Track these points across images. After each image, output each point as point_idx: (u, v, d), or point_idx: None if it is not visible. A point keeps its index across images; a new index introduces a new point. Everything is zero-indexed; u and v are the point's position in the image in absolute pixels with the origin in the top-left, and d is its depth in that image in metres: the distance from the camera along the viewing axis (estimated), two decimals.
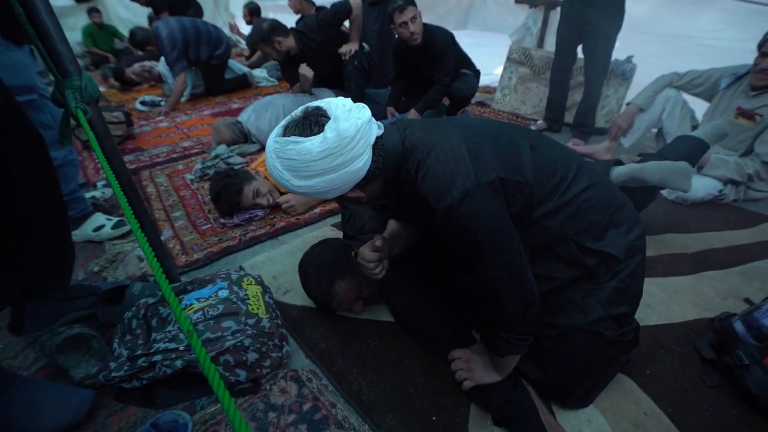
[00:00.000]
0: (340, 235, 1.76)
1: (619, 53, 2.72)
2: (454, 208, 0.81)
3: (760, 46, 1.85)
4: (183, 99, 3.89)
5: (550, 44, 3.55)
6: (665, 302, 1.37)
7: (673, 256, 1.61)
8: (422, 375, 1.12)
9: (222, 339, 1.04)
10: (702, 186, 1.98)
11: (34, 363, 1.19)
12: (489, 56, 3.80)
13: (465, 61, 2.87)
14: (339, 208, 1.97)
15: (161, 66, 4.00)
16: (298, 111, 0.85)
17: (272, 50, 2.75)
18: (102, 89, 4.62)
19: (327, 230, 1.81)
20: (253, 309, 1.13)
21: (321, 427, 0.98)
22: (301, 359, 1.19)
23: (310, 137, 0.78)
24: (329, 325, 1.29)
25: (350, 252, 1.24)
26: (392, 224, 1.23)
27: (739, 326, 1.10)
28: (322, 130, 0.79)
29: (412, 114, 2.76)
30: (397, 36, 2.66)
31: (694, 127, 2.14)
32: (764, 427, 0.99)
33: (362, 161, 0.82)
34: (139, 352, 1.02)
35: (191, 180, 2.31)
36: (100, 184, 2.32)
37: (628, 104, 2.21)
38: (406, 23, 2.46)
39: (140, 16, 6.16)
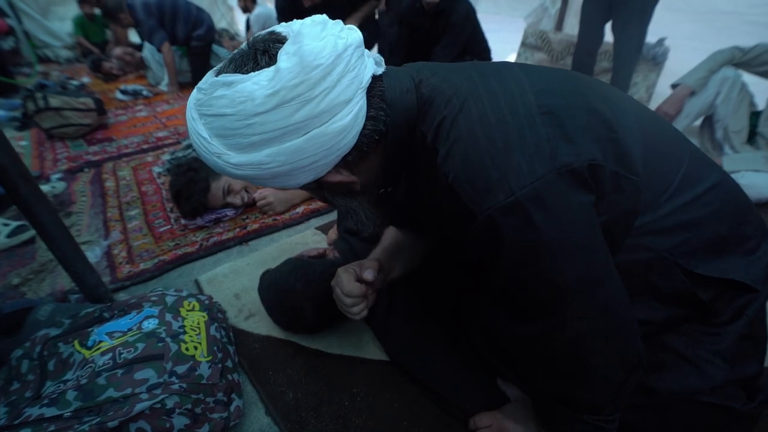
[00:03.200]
0: (324, 239, 1.42)
1: (649, 35, 2.39)
2: (515, 213, 0.47)
3: None
4: (164, 87, 3.62)
5: (570, 27, 3.22)
6: None
7: None
8: None
9: (133, 398, 0.70)
10: None
11: None
12: (500, 43, 3.46)
13: (481, 46, 2.55)
14: (328, 205, 1.62)
15: (145, 51, 3.72)
16: (243, 44, 0.52)
17: None
18: (87, 80, 4.37)
19: (309, 234, 1.47)
20: (187, 349, 0.80)
21: None
22: (258, 417, 0.86)
23: (252, 73, 0.46)
24: (301, 364, 0.96)
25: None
26: (391, 235, 0.87)
27: None
28: (274, 62, 0.46)
29: None
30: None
31: (754, 114, 1.80)
32: None
33: (349, 115, 0.48)
34: (3, 422, 0.69)
35: (158, 173, 1.99)
36: (54, 177, 2.01)
37: (674, 86, 1.86)
38: None
39: None
